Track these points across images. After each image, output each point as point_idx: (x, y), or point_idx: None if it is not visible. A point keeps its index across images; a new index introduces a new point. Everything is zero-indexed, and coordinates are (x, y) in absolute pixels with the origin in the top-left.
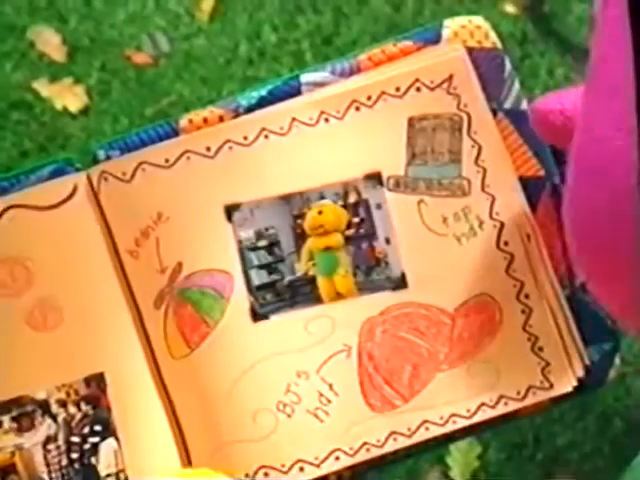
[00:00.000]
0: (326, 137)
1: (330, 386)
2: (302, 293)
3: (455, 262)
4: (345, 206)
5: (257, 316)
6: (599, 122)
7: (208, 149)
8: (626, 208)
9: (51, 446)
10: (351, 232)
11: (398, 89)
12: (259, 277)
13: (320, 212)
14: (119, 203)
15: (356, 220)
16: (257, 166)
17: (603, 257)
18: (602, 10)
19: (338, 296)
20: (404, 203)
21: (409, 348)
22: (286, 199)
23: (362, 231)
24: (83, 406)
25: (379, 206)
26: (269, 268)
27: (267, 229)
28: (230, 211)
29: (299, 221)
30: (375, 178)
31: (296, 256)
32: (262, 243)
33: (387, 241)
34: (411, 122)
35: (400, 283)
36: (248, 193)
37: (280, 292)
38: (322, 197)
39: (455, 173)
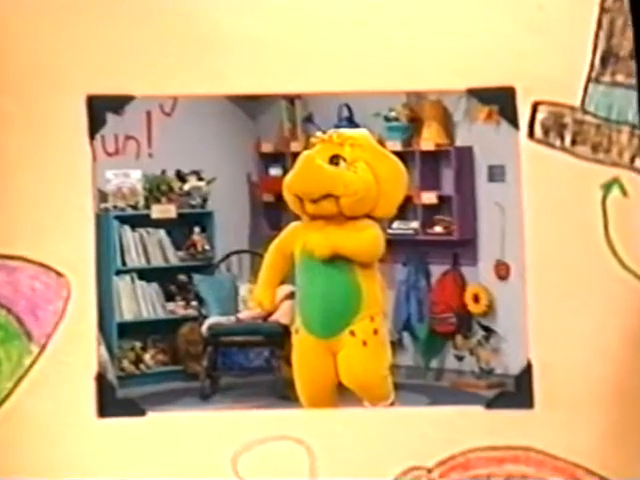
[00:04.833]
0: None
1: None
2: (245, 366)
3: None
4: (406, 157)
5: (111, 404)
6: None
7: None
8: None
9: None
10: (410, 227)
11: None
12: (138, 303)
13: (335, 158)
14: None
15: (429, 196)
16: (188, 15)
17: None
18: None
19: (338, 390)
20: (570, 180)
21: None
22: (251, 109)
23: (438, 229)
24: None
25: (499, 173)
26: (171, 282)
27: (184, 177)
28: (99, 109)
29: (274, 172)
30: (499, 99)
31: (248, 263)
32: (165, 211)
33: (501, 271)
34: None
35: (515, 390)
36: (157, 77)
37: (187, 351)
38: (349, 120)
39: None
